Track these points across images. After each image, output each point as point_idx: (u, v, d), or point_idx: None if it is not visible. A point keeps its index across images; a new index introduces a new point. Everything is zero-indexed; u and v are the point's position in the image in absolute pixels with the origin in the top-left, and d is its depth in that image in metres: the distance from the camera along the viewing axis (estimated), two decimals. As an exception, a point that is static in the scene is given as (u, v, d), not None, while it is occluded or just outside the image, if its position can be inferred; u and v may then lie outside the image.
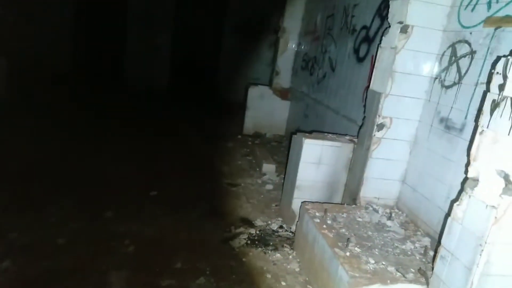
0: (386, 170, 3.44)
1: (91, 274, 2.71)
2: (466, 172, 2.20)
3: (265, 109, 7.37)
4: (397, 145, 3.38)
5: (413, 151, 3.39)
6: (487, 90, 2.10)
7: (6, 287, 2.48)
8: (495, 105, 2.03)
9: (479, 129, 2.13)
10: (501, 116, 1.98)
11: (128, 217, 3.57)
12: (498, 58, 2.03)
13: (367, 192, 3.47)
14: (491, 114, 2.05)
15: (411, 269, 2.54)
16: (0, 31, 6.55)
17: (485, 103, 2.09)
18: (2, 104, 6.16)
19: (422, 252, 2.79)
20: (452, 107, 2.95)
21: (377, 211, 3.35)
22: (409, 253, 2.78)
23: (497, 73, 2.04)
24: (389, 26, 3.27)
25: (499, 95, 2.01)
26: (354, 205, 3.46)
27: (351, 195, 3.58)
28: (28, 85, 6.68)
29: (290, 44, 7.38)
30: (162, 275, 2.80)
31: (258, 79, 9.05)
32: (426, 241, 2.95)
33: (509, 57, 1.97)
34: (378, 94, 3.29)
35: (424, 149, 3.25)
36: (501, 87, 1.99)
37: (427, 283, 2.40)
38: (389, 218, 3.24)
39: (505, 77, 1.98)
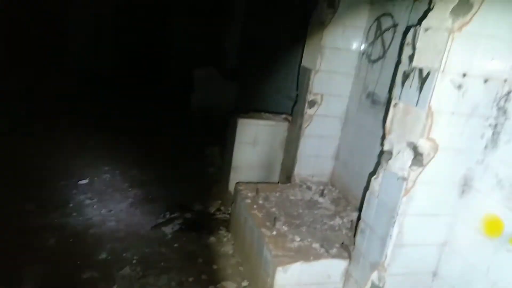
0: (319, 147, 3.42)
1: (8, 269, 2.50)
2: (381, 145, 2.20)
3: (212, 91, 7.19)
4: (329, 122, 3.37)
5: (344, 127, 3.39)
6: (399, 61, 2.08)
7: None
8: (405, 76, 2.01)
9: (393, 102, 2.12)
10: (410, 87, 1.97)
11: (51, 209, 3.34)
12: (408, 28, 2.01)
13: (301, 170, 3.45)
14: (402, 85, 2.03)
15: (336, 245, 2.54)
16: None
17: (397, 74, 2.08)
18: None
19: (349, 226, 2.81)
20: (377, 82, 2.95)
21: (310, 189, 3.34)
22: (336, 228, 2.79)
23: (408, 43, 2.02)
24: (318, 1, 3.20)
25: (409, 66, 1.99)
26: (288, 184, 3.43)
27: (286, 174, 3.55)
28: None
29: (237, 24, 7.19)
30: (83, 268, 2.64)
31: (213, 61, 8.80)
32: (355, 216, 2.98)
33: (417, 26, 1.95)
34: (309, 70, 3.24)
35: (353, 125, 3.26)
36: (411, 58, 1.98)
37: (350, 257, 2.42)
38: (321, 195, 3.24)
39: (414, 47, 1.96)
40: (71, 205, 3.47)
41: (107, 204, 3.55)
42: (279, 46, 5.16)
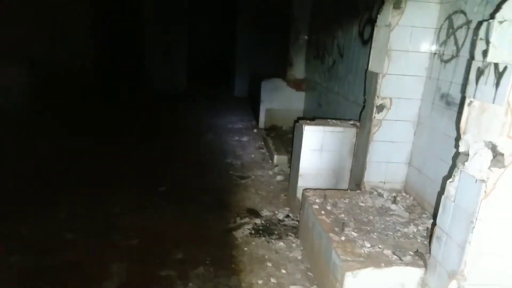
0: (390, 153, 3.32)
1: (94, 266, 2.81)
2: (457, 146, 2.09)
3: (280, 102, 7.32)
4: (400, 126, 3.25)
5: (417, 132, 3.25)
6: (472, 58, 1.97)
7: (12, 280, 2.62)
8: (479, 72, 1.90)
9: (467, 100, 2.01)
10: (485, 83, 1.86)
11: (134, 212, 3.66)
12: (480, 23, 1.91)
13: (371, 176, 3.37)
14: (477, 82, 1.93)
15: (410, 252, 2.44)
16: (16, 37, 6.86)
17: (471, 72, 1.97)
18: (19, 108, 6.46)
19: (425, 234, 2.67)
20: (451, 82, 2.80)
21: (381, 196, 3.24)
22: (410, 236, 2.67)
23: (480, 38, 1.91)
24: (383, 3, 3.15)
25: (483, 62, 1.88)
26: (358, 191, 3.37)
27: (356, 181, 3.48)
28: (45, 88, 6.98)
29: (302, 34, 7.26)
30: (162, 266, 2.86)
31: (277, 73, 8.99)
32: (431, 223, 2.82)
33: (490, 20, 1.84)
34: (376, 74, 3.18)
35: (427, 128, 3.11)
36: (485, 53, 1.87)
37: (425, 266, 2.30)
38: (394, 201, 3.13)
39: (487, 42, 1.85)
40: (151, 209, 3.76)
41: (182, 209, 3.79)
42: (346, 52, 5.11)
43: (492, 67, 1.81)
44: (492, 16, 1.85)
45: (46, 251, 2.95)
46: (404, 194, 3.35)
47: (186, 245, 3.16)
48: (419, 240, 2.61)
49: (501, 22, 1.78)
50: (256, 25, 9.95)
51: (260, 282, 2.76)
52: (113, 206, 3.74)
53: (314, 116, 5.48)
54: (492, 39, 1.82)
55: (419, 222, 2.87)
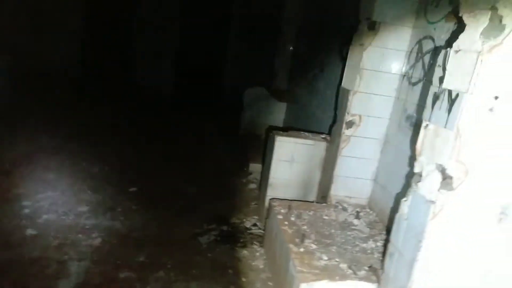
0: (357, 169, 3.39)
1: (52, 264, 2.78)
2: (412, 167, 2.17)
3: (261, 111, 7.38)
4: (368, 143, 3.34)
5: (383, 150, 3.34)
6: (430, 83, 2.06)
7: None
8: (435, 97, 1.99)
9: (423, 123, 2.09)
10: (439, 108, 1.94)
11: (102, 212, 3.63)
12: (439, 51, 2.00)
13: (338, 190, 3.43)
14: (433, 107, 2.01)
15: (365, 267, 2.50)
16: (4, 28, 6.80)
17: (428, 96, 2.06)
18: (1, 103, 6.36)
19: (382, 250, 2.74)
20: (417, 104, 2.90)
21: (346, 210, 3.31)
22: (368, 251, 2.73)
23: (438, 65, 2.01)
24: (359, 23, 3.25)
25: (439, 87, 1.97)
26: (324, 204, 3.43)
27: (322, 194, 3.55)
28: (32, 85, 6.89)
29: (287, 45, 7.37)
30: (122, 268, 2.85)
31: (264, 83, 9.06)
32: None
33: (448, 49, 1.93)
34: (347, 91, 3.27)
35: (393, 148, 3.20)
36: (441, 80, 1.96)
37: (378, 281, 2.36)
38: (357, 217, 3.20)
39: (444, 69, 1.94)
40: (119, 209, 3.74)
41: (151, 212, 3.78)
42: (326, 67, 5.22)
43: (447, 93, 1.90)
44: (450, 45, 1.94)
45: (6, 246, 2.91)
46: (368, 210, 3.42)
47: (150, 248, 3.16)
48: (375, 256, 2.67)
49: (456, 52, 1.88)
50: (247, 35, 10.05)
51: (219, 289, 2.78)
52: (79, 205, 3.70)
53: (289, 127, 5.56)
54: (448, 66, 1.91)
55: (378, 238, 2.94)
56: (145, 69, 10.13)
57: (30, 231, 3.14)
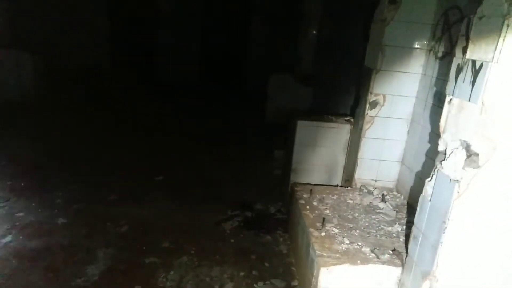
0: (382, 151, 3.27)
1: (81, 250, 2.88)
2: (436, 145, 2.05)
3: (286, 97, 7.27)
4: (393, 124, 3.20)
5: (410, 130, 3.19)
6: (453, 54, 1.92)
7: (4, 258, 2.72)
8: (459, 69, 1.86)
9: (447, 98, 1.96)
10: (463, 81, 1.81)
11: (130, 201, 3.73)
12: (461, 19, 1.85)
13: (362, 173, 3.33)
14: (456, 80, 1.88)
15: (389, 251, 2.41)
16: (31, 27, 7.08)
17: (451, 69, 1.92)
18: (30, 100, 6.65)
19: (408, 234, 2.63)
20: (444, 80, 2.73)
21: (371, 193, 3.20)
22: (394, 235, 2.63)
23: (461, 35, 1.86)
24: (380, -3, 3.09)
25: (462, 58, 1.83)
26: (348, 187, 3.34)
27: (347, 177, 3.45)
28: (59, 82, 7.16)
29: (311, 29, 7.19)
30: (147, 253, 2.91)
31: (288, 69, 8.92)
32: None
33: (470, 16, 1.79)
34: (370, 70, 3.13)
35: (420, 127, 3.05)
36: (464, 50, 1.82)
37: (402, 265, 2.27)
38: (382, 200, 3.09)
39: (467, 38, 1.80)
40: (146, 198, 3.83)
41: (177, 199, 3.84)
42: (351, 48, 5.04)
43: (470, 64, 1.76)
44: (474, 12, 1.79)
45: (37, 234, 3.05)
46: (395, 193, 3.30)
47: (174, 234, 3.21)
48: (401, 240, 2.57)
49: (480, 18, 1.73)
50: (269, 22, 9.89)
51: (242, 274, 2.78)
52: (110, 194, 3.82)
53: (312, 111, 5.44)
54: (471, 35, 1.77)
55: (405, 221, 2.82)
56: (170, 60, 10.26)
57: (61, 220, 3.27)
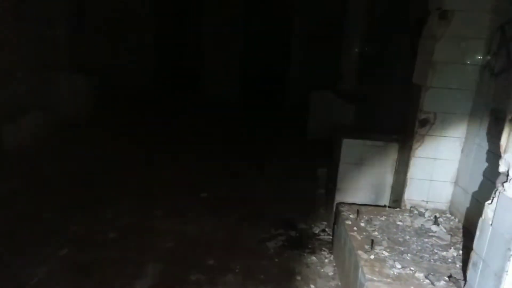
0: (434, 171, 3.13)
1: (131, 265, 2.97)
2: (496, 166, 1.93)
3: (328, 114, 7.20)
4: (445, 142, 3.07)
5: (464, 149, 3.04)
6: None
7: (60, 270, 2.85)
8: (522, 86, 1.76)
9: (508, 116, 1.86)
10: (527, 98, 1.71)
11: (175, 216, 3.81)
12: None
13: (412, 194, 3.20)
14: (518, 97, 1.78)
15: (445, 277, 2.27)
16: (82, 48, 7.56)
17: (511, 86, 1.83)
18: (83, 119, 7.02)
19: (465, 259, 2.47)
20: (501, 97, 2.59)
21: (422, 215, 3.06)
22: (449, 260, 2.49)
23: (524, 50, 1.77)
24: (429, 14, 3.02)
25: (525, 74, 1.74)
26: (397, 208, 3.21)
27: (395, 198, 3.33)
28: (110, 101, 7.54)
29: (353, 47, 7.14)
30: (193, 270, 2.94)
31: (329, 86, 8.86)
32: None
33: (534, 30, 1.70)
34: (419, 87, 3.04)
35: (474, 146, 2.90)
36: (528, 66, 1.72)
37: (461, 293, 2.13)
38: (435, 222, 2.94)
39: (531, 53, 1.71)
40: (190, 214, 3.89)
41: (221, 216, 3.88)
42: (396, 64, 4.94)
43: (535, 81, 1.67)
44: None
45: (91, 247, 3.18)
46: (448, 215, 3.13)
47: (218, 251, 3.23)
48: (457, 266, 2.42)
49: (545, 32, 1.64)
50: (309, 40, 9.93)
51: (287, 294, 2.73)
52: (156, 209, 3.93)
53: (358, 128, 5.34)
54: (535, 50, 1.68)
55: (460, 246, 2.66)
56: (213, 78, 10.54)
57: (111, 234, 3.40)
